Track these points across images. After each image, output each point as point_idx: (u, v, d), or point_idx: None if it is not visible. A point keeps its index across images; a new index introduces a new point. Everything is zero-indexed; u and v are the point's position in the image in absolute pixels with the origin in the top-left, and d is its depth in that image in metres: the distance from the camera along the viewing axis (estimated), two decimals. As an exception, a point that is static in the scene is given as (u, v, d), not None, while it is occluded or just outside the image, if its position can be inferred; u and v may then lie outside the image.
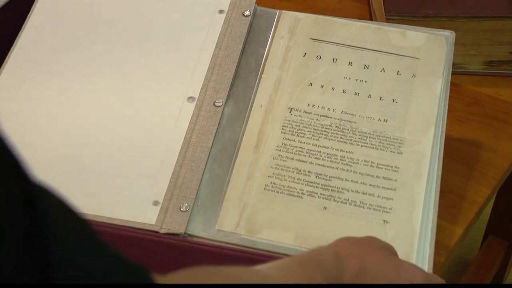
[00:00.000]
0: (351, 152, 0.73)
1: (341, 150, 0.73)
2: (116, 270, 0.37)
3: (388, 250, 0.61)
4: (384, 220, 0.69)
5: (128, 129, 0.76)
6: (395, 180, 0.71)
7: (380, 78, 0.77)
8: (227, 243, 0.68)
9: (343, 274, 0.56)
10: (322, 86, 0.77)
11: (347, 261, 0.56)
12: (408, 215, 0.69)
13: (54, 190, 0.36)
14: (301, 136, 0.74)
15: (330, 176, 0.71)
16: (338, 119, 0.75)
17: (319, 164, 0.72)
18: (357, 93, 0.76)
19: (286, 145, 0.73)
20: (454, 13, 0.87)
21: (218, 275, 0.47)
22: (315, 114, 0.75)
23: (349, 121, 0.75)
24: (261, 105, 0.76)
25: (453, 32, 0.79)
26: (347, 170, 0.72)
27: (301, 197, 0.70)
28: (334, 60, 0.79)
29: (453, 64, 0.77)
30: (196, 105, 0.76)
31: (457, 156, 0.81)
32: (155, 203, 0.71)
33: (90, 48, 0.82)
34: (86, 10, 0.85)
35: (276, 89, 0.77)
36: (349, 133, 0.74)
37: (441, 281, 0.61)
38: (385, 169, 0.71)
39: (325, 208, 0.69)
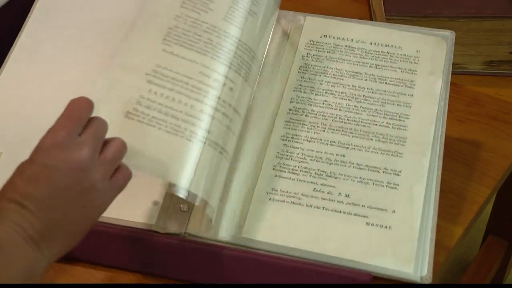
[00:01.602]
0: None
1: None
2: None
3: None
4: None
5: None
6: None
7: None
8: (227, 243, 0.68)
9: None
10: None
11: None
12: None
13: None
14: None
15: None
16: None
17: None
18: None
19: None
20: (454, 13, 0.87)
21: None
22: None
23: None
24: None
25: (453, 32, 0.79)
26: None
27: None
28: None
29: (453, 64, 0.77)
30: (196, 105, 0.76)
31: (457, 156, 0.81)
32: (155, 203, 0.70)
33: (90, 48, 0.82)
34: (86, 9, 0.85)
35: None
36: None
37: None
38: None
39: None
